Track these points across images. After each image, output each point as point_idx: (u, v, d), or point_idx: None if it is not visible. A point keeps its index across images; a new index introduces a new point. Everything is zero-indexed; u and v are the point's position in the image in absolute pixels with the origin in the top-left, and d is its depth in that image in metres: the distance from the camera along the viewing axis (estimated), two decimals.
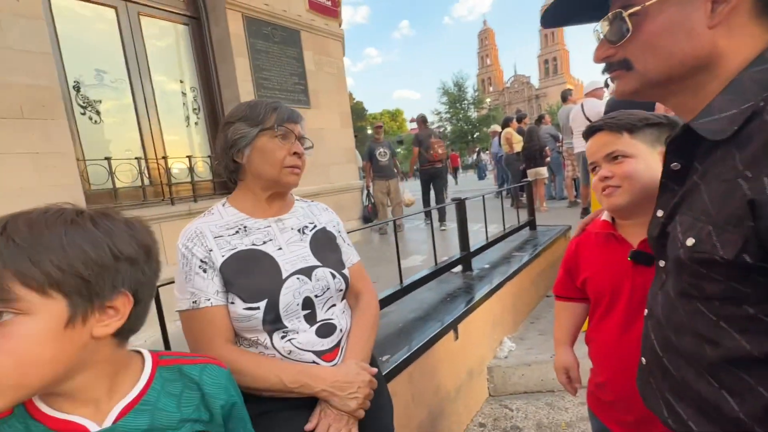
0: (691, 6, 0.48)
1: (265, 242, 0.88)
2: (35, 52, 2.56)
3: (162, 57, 3.62)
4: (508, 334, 2.45)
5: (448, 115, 44.82)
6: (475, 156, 21.78)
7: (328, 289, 0.90)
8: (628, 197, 0.86)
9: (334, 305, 0.93)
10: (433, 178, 5.65)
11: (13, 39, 2.46)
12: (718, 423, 0.48)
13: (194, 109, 3.87)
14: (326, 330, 0.88)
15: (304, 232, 0.95)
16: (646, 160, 0.84)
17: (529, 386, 2.12)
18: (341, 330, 0.91)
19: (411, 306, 2.05)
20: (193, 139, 3.86)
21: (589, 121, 4.05)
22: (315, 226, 0.98)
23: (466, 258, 2.58)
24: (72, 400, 0.52)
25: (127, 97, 3.34)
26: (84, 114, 3.09)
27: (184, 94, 3.80)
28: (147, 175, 3.35)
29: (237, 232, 0.87)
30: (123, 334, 0.55)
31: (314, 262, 0.91)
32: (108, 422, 0.53)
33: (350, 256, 1.04)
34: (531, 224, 3.67)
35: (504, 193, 6.21)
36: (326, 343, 0.87)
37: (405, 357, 1.54)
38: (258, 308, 0.81)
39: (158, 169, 3.43)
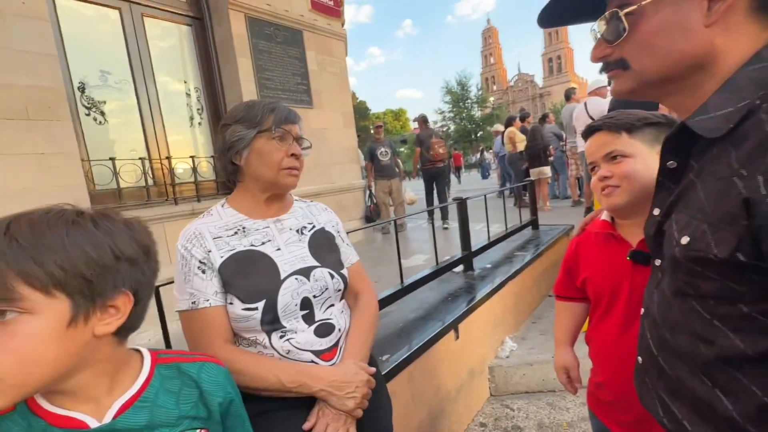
0: (688, 5, 0.48)
1: (263, 243, 0.88)
2: (40, 53, 2.59)
3: (165, 58, 3.64)
4: (509, 333, 2.44)
5: (452, 114, 44.74)
6: (478, 155, 21.71)
7: (326, 289, 0.90)
8: (627, 197, 0.86)
9: (332, 305, 0.93)
10: (435, 177, 5.70)
11: (18, 40, 2.49)
12: (712, 422, 0.48)
13: (197, 110, 3.89)
14: (325, 330, 0.89)
15: (302, 233, 0.95)
16: (645, 159, 0.84)
17: (530, 386, 2.11)
18: (340, 330, 0.92)
19: (412, 305, 2.05)
20: (197, 140, 3.88)
21: (593, 119, 4.02)
22: (314, 227, 0.98)
23: (467, 257, 2.57)
24: (73, 397, 0.53)
25: (131, 98, 3.36)
26: (88, 115, 3.12)
27: (187, 94, 3.82)
28: (151, 176, 3.38)
29: (236, 233, 0.88)
30: (123, 332, 0.56)
31: (313, 262, 0.91)
32: (107, 418, 0.53)
33: (349, 256, 1.04)
34: (533, 224, 3.66)
35: (507, 192, 6.20)
36: (324, 343, 0.87)
37: (405, 356, 1.54)
38: (256, 309, 0.82)
39: (162, 169, 3.46)
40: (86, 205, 0.57)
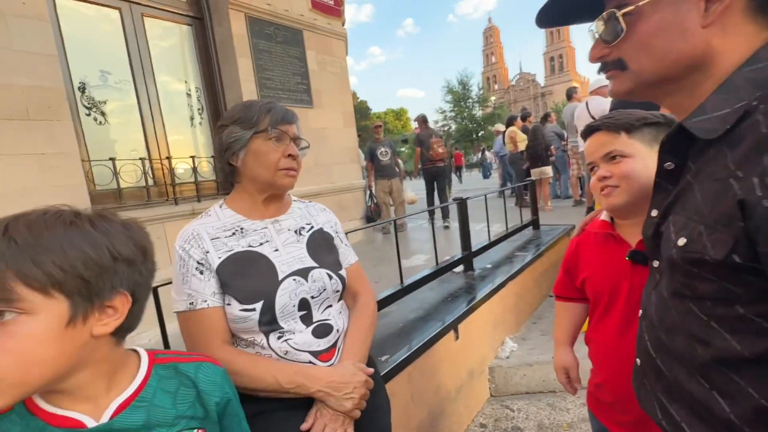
0: (685, 5, 0.47)
1: (261, 244, 0.88)
2: (40, 53, 2.59)
3: (165, 58, 3.65)
4: (510, 334, 2.44)
5: (453, 114, 44.71)
6: (480, 155, 21.70)
7: (324, 290, 0.90)
8: (626, 197, 0.86)
9: (330, 306, 0.93)
10: (436, 177, 5.72)
11: (18, 40, 2.49)
12: (710, 424, 0.48)
13: (198, 110, 3.90)
14: (323, 330, 0.89)
15: (300, 233, 0.95)
16: (644, 159, 0.84)
17: (530, 387, 2.11)
18: (338, 330, 0.92)
19: (412, 306, 2.05)
20: (197, 140, 3.89)
21: (594, 119, 4.01)
22: (312, 227, 0.98)
23: (467, 258, 2.57)
24: (71, 396, 0.53)
25: (131, 98, 3.37)
26: (89, 115, 3.13)
27: (188, 94, 3.83)
28: (151, 176, 3.38)
29: (234, 233, 0.88)
30: (121, 332, 0.56)
31: (311, 263, 0.91)
32: (105, 418, 0.54)
33: (348, 256, 1.04)
34: (534, 223, 3.65)
35: (508, 192, 6.20)
36: (323, 344, 0.87)
37: (405, 357, 1.53)
38: (254, 310, 0.82)
39: (162, 169, 3.46)
40: (86, 206, 0.57)
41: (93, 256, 0.50)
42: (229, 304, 0.83)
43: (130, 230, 0.57)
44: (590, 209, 4.74)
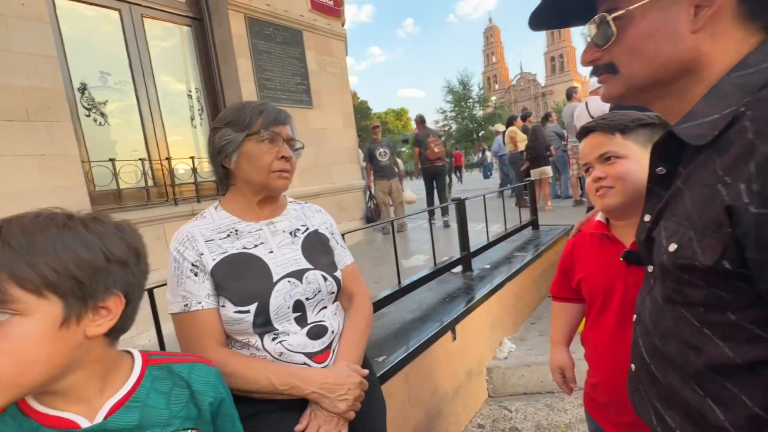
0: (675, 10, 0.47)
1: (256, 245, 0.88)
2: (40, 54, 2.60)
3: (165, 58, 3.65)
4: (508, 334, 2.44)
5: (453, 114, 44.69)
6: (480, 155, 21.68)
7: (319, 291, 0.90)
8: (621, 198, 0.86)
9: (325, 307, 0.93)
10: (435, 176, 5.73)
11: (18, 41, 2.50)
12: (705, 431, 0.48)
13: (198, 110, 3.90)
14: (317, 332, 0.89)
15: (295, 235, 0.95)
16: (639, 160, 0.84)
17: (528, 387, 2.11)
18: (333, 332, 0.92)
19: (409, 306, 2.05)
20: (197, 140, 3.89)
21: (593, 119, 4.00)
22: (307, 229, 0.98)
23: (466, 258, 2.57)
24: (64, 397, 0.53)
25: (131, 99, 3.37)
26: (88, 116, 3.14)
27: (188, 95, 3.84)
28: (151, 176, 3.39)
29: (228, 235, 0.88)
30: (114, 333, 0.56)
31: (306, 264, 0.91)
32: (99, 419, 0.54)
33: (343, 257, 1.04)
34: (533, 224, 3.65)
35: (508, 192, 6.20)
36: (317, 345, 0.87)
37: (401, 358, 1.54)
38: (248, 311, 0.82)
39: (162, 170, 3.47)
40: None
41: (86, 258, 0.51)
42: (223, 306, 0.83)
43: (123, 232, 0.58)
44: (590, 209, 4.72)
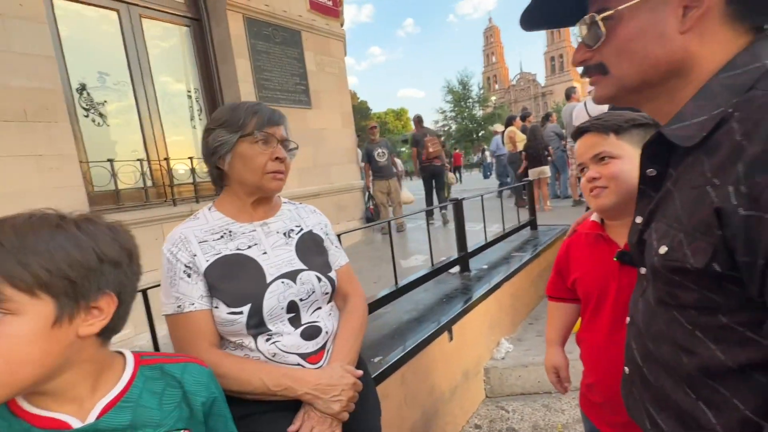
0: (664, 11, 0.47)
1: (249, 247, 0.88)
2: (38, 55, 2.60)
3: (164, 59, 3.65)
4: (505, 335, 2.44)
5: (453, 114, 44.68)
6: (480, 155, 21.68)
7: (313, 292, 0.90)
8: (615, 198, 0.86)
9: (319, 308, 0.93)
10: (433, 176, 5.72)
11: (16, 42, 2.50)
12: None
13: (197, 111, 3.90)
14: (311, 332, 0.89)
15: (289, 236, 0.95)
16: (633, 161, 0.84)
17: (525, 388, 2.11)
18: (327, 332, 0.91)
19: (406, 307, 2.05)
20: (196, 140, 3.89)
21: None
22: (301, 229, 0.98)
23: (463, 258, 2.57)
24: (56, 398, 0.53)
25: (129, 99, 3.37)
26: (87, 116, 3.14)
27: (186, 96, 3.84)
28: (149, 177, 3.39)
29: (222, 236, 0.87)
30: (106, 333, 0.56)
31: (300, 265, 0.91)
32: (90, 419, 0.54)
33: (338, 258, 1.04)
34: (532, 224, 3.65)
35: (507, 192, 6.20)
36: (311, 346, 0.87)
37: (398, 358, 1.53)
38: (241, 313, 0.82)
39: (160, 170, 3.47)
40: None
41: (79, 258, 0.51)
42: (216, 307, 0.83)
43: (116, 233, 0.58)
44: (589, 209, 4.72)
